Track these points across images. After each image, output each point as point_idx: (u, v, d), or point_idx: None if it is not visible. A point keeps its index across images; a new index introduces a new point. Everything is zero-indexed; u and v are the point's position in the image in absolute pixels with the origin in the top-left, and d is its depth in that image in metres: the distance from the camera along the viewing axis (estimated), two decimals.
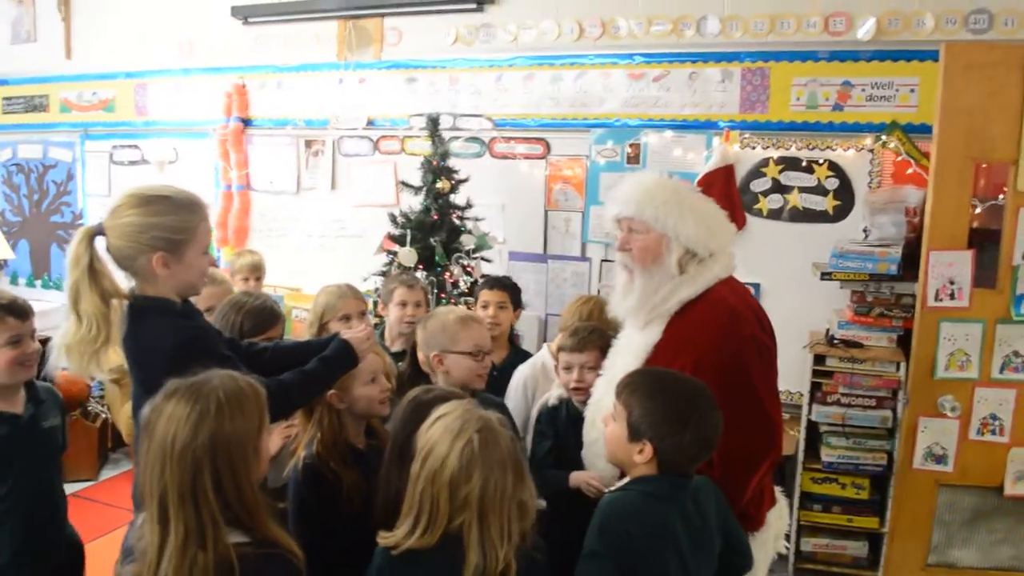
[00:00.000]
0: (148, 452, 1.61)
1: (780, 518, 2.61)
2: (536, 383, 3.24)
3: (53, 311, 5.94)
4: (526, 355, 3.63)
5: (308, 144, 5.51)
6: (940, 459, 3.57)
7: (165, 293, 2.11)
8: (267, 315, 2.85)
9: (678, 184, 2.47)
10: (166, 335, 2.04)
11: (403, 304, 3.48)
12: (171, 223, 2.08)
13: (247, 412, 1.64)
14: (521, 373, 3.32)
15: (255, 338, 2.76)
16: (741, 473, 2.21)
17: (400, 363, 2.88)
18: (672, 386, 2.00)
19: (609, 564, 1.85)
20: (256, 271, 4.54)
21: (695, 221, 2.33)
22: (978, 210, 3.78)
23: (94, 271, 2.05)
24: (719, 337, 2.26)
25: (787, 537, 2.59)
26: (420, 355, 2.74)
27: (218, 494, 1.58)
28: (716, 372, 2.20)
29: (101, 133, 6.17)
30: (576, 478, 2.53)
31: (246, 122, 5.62)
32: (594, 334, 2.73)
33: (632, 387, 1.97)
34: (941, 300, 3.45)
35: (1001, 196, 3.53)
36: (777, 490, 2.67)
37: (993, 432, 3.52)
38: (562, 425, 2.76)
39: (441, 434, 1.84)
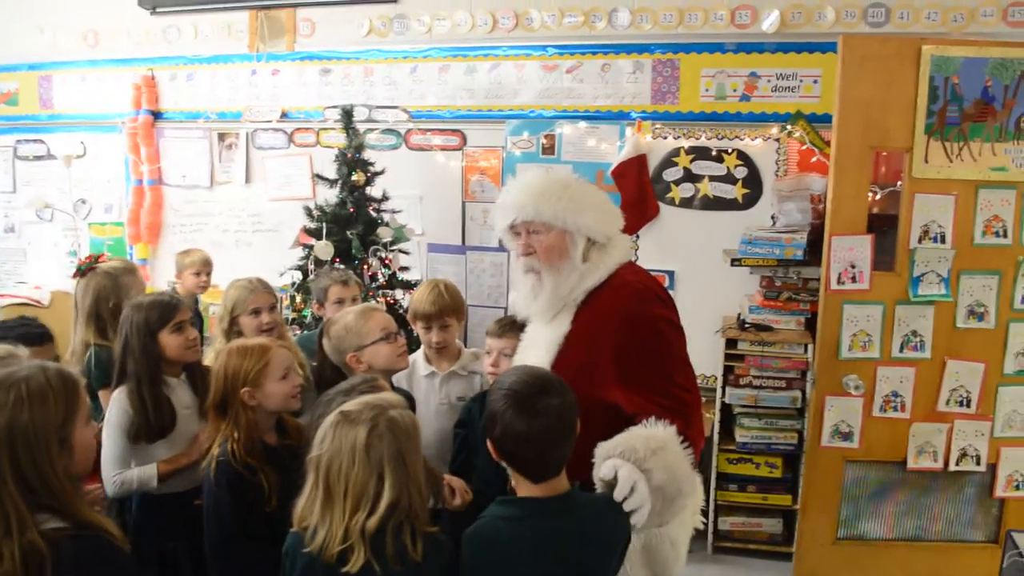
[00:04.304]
0: None
1: (696, 494, 2.67)
2: (409, 381, 3.22)
3: None
4: None
5: (221, 137, 5.41)
6: (846, 436, 3.70)
7: None
8: (168, 302, 2.80)
9: (566, 178, 2.47)
10: None
11: (340, 302, 3.43)
12: None
13: (48, 405, 1.65)
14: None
15: (166, 327, 2.73)
16: None
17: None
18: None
19: None
20: (207, 265, 4.59)
21: (592, 211, 2.37)
22: (878, 196, 3.93)
23: None
24: (631, 320, 2.29)
25: (704, 514, 2.63)
26: (335, 360, 2.74)
27: (19, 483, 1.60)
28: (635, 354, 2.26)
29: (4, 127, 5.93)
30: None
31: (156, 115, 5.49)
32: (516, 324, 2.77)
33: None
34: (843, 283, 3.57)
35: (899, 183, 3.67)
36: None
37: (895, 408, 3.66)
38: (476, 416, 2.79)
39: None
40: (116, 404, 2.66)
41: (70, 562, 1.59)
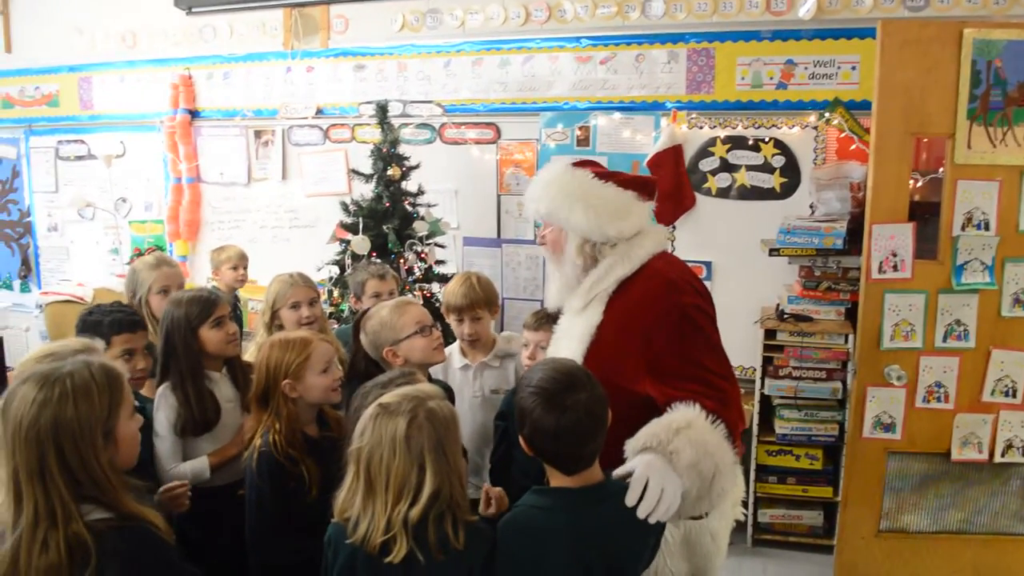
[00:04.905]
0: (3, 433, 1.67)
1: (736, 486, 2.65)
2: (445, 374, 3.24)
3: (2, 311, 5.88)
4: None
5: (258, 134, 5.47)
6: (888, 427, 3.65)
7: None
8: (207, 297, 2.84)
9: (573, 175, 2.42)
10: None
11: (377, 295, 3.45)
12: None
13: (93, 399, 1.69)
14: None
15: (206, 322, 2.77)
16: None
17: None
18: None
19: None
20: (244, 260, 4.63)
21: (584, 210, 2.33)
22: (919, 183, 3.87)
23: None
24: (661, 309, 2.27)
25: (744, 506, 2.61)
26: (373, 355, 2.76)
27: (65, 475, 1.64)
28: (666, 343, 2.23)
29: (45, 128, 6.05)
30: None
31: (194, 113, 5.56)
32: (552, 317, 2.77)
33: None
34: (884, 272, 3.52)
35: (940, 169, 3.60)
36: None
37: (938, 399, 3.60)
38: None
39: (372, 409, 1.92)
40: (162, 400, 2.71)
41: (114, 553, 1.63)
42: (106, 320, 2.77)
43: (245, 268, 4.62)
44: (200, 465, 2.68)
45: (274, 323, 3.26)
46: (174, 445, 2.69)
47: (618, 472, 1.99)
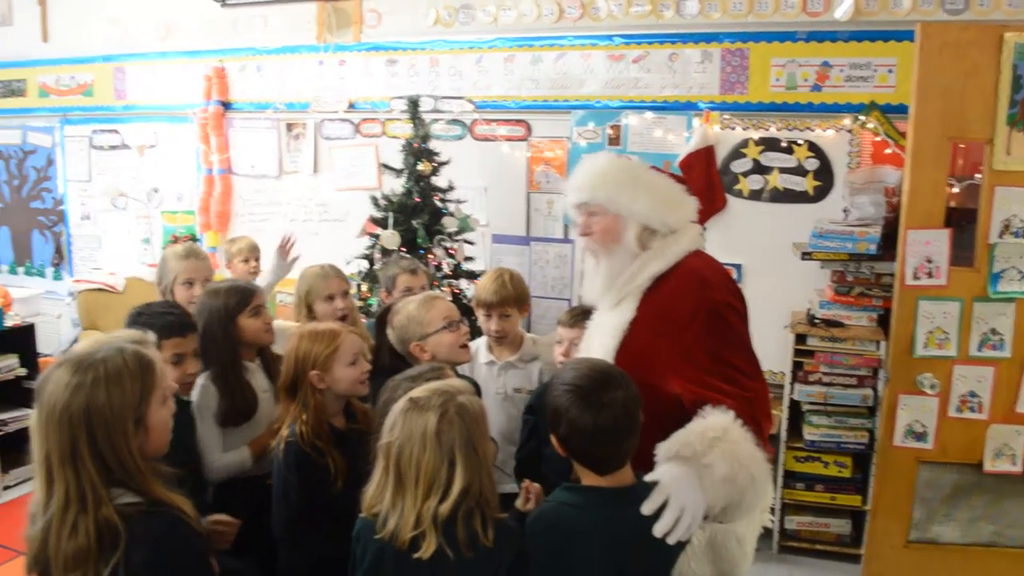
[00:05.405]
0: (37, 416, 1.68)
1: (766, 492, 2.62)
2: (471, 369, 3.23)
3: (35, 298, 5.94)
4: None
5: (289, 127, 5.48)
6: (920, 436, 3.60)
7: None
8: (244, 288, 2.85)
9: (630, 163, 2.46)
10: None
11: (409, 290, 3.42)
12: None
13: (124, 386, 1.69)
14: None
15: (244, 311, 2.78)
16: None
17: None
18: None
19: None
20: (255, 251, 4.58)
21: (648, 197, 2.33)
22: (955, 189, 3.81)
23: None
24: (693, 305, 2.25)
25: (771, 511, 2.58)
26: (400, 349, 2.76)
27: (96, 460, 1.65)
28: (696, 340, 2.21)
29: (80, 118, 6.11)
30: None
31: (226, 105, 5.59)
32: (588, 314, 2.75)
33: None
34: (919, 279, 3.47)
35: (978, 175, 3.55)
36: None
37: (972, 409, 3.55)
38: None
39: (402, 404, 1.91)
40: (203, 391, 2.72)
41: (143, 537, 1.63)
42: (157, 324, 2.60)
43: (257, 260, 4.57)
44: (243, 455, 2.71)
45: (309, 317, 3.26)
46: (218, 436, 2.71)
47: (646, 479, 1.97)
